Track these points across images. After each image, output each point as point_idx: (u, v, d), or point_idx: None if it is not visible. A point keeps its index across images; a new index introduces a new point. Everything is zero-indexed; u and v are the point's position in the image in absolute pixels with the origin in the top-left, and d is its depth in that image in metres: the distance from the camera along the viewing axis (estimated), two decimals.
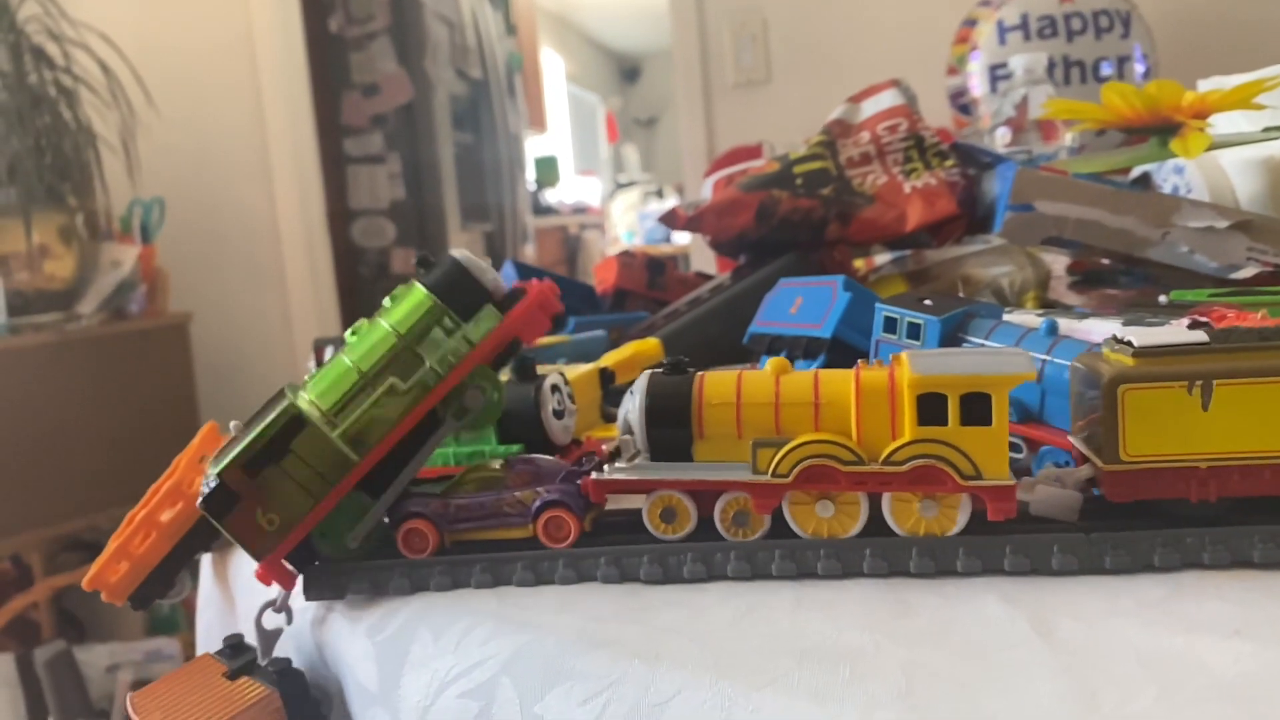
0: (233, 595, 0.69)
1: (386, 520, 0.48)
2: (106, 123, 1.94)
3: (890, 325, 0.58)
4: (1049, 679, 0.33)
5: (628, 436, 0.46)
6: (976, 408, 0.41)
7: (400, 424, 0.46)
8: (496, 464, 0.50)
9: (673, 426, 0.45)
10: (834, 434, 0.43)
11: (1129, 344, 0.41)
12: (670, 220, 0.91)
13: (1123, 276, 0.79)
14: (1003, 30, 1.40)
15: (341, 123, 2.96)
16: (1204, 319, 0.50)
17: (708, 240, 0.92)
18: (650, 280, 1.02)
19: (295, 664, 0.48)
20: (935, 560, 0.42)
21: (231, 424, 0.47)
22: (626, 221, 5.18)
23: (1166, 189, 0.85)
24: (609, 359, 0.71)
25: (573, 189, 5.62)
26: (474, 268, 0.47)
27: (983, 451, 0.41)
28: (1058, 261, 0.81)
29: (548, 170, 5.09)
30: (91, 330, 1.89)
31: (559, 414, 0.57)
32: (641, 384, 0.46)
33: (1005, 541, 0.41)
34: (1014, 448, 0.52)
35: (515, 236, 3.57)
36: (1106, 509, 0.42)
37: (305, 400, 0.46)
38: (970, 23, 1.48)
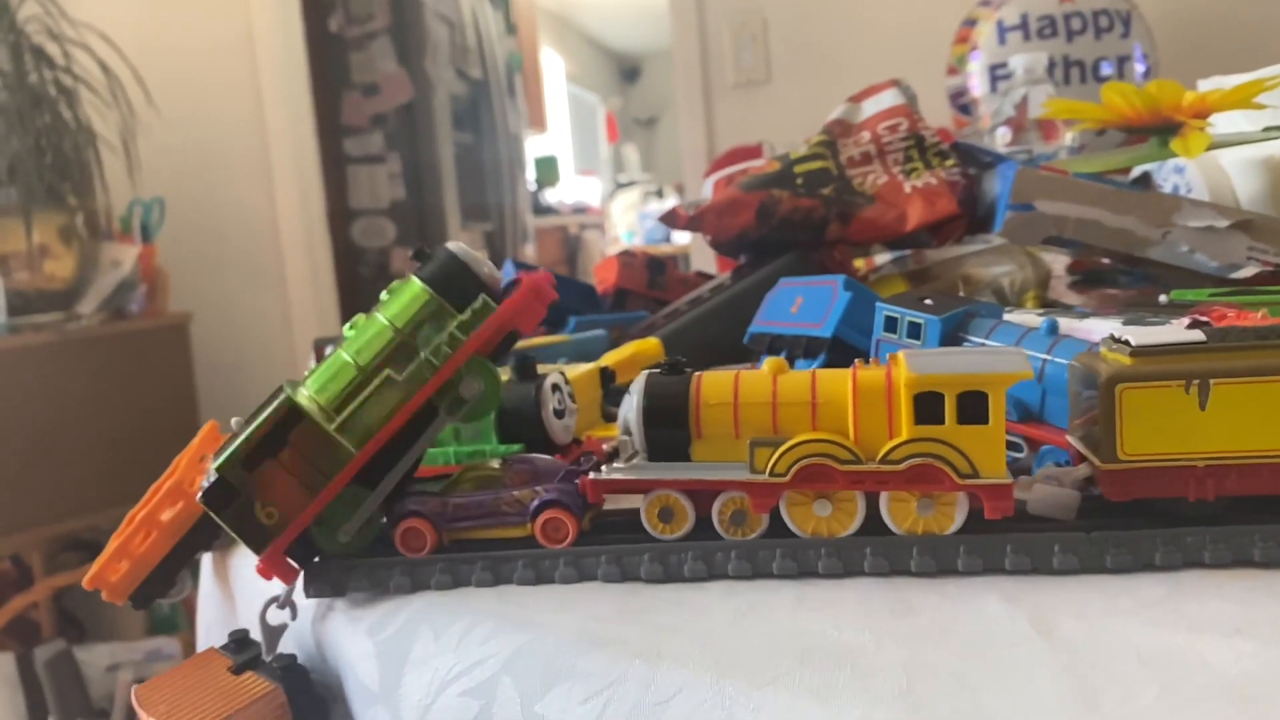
0: (233, 594, 0.69)
1: (385, 519, 0.48)
2: (106, 122, 1.94)
3: (891, 325, 0.58)
4: (1050, 677, 0.33)
5: (626, 437, 0.46)
6: (973, 406, 0.41)
7: (396, 416, 0.46)
8: (495, 463, 0.50)
9: (670, 426, 0.45)
10: (831, 433, 0.43)
11: (1126, 343, 0.41)
12: (671, 220, 0.91)
13: (1123, 276, 0.79)
14: (1003, 30, 1.40)
15: (341, 122, 2.96)
16: (1204, 318, 0.50)
17: (708, 240, 0.92)
18: (651, 280, 1.02)
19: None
20: (936, 559, 0.42)
21: (233, 421, 0.48)
22: (626, 221, 5.18)
23: (1167, 189, 0.85)
24: (609, 358, 0.71)
25: (573, 189, 5.62)
26: (470, 260, 0.47)
27: (980, 450, 0.41)
28: (1058, 261, 0.81)
29: (548, 170, 5.09)
30: (91, 330, 1.88)
31: (559, 413, 0.57)
32: (639, 384, 0.46)
33: (1006, 540, 0.41)
34: (1015, 447, 0.52)
35: (515, 236, 3.57)
36: (1104, 508, 0.42)
37: (305, 396, 0.46)
38: (970, 22, 1.48)
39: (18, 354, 1.77)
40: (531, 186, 4.47)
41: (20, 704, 1.76)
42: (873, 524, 0.43)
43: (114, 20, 2.03)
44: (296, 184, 2.40)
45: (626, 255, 1.03)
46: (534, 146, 4.75)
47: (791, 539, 0.44)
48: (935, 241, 0.85)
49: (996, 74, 1.40)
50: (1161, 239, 0.67)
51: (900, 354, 0.43)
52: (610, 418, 0.66)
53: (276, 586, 0.49)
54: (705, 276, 1.05)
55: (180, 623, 2.00)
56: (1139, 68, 1.39)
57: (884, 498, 0.43)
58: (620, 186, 5.79)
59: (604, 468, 0.46)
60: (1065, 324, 0.53)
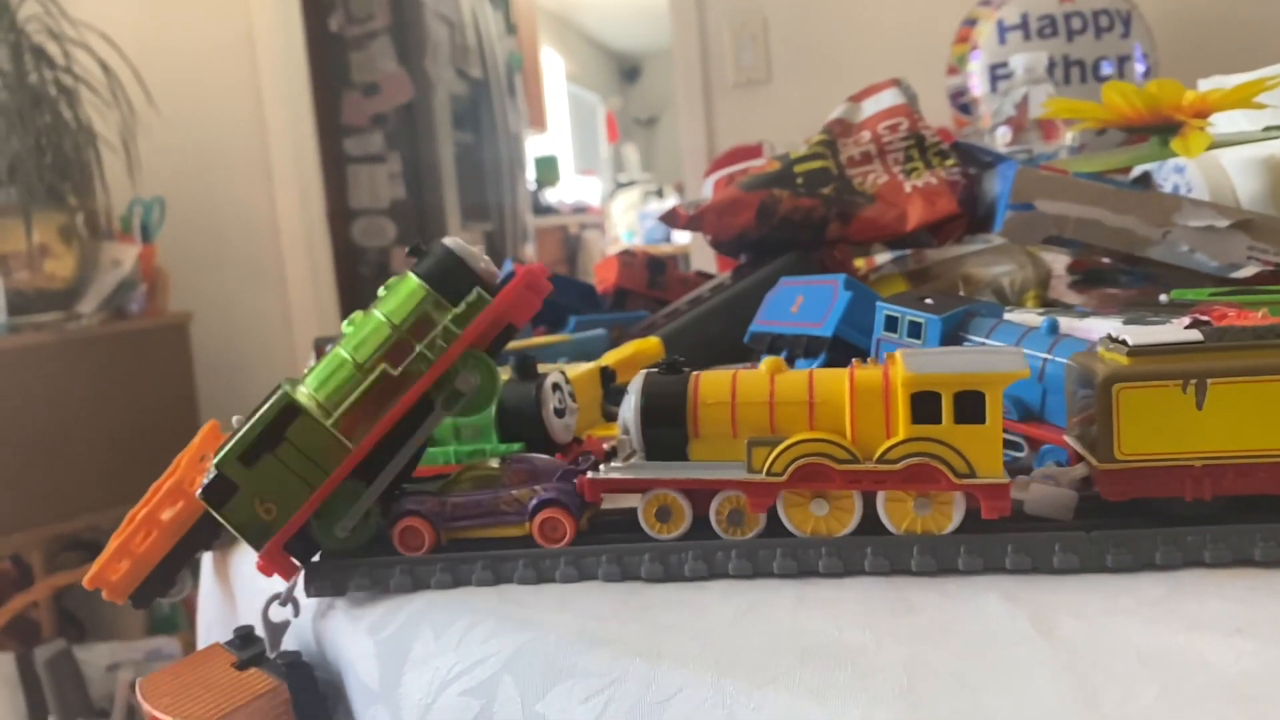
0: (234, 593, 0.69)
1: (384, 518, 0.48)
2: (107, 122, 1.94)
3: (891, 324, 0.58)
4: (1050, 677, 0.33)
5: (625, 436, 0.46)
6: (970, 406, 0.41)
7: (392, 410, 0.46)
8: (494, 462, 0.50)
9: (668, 426, 0.45)
10: (828, 433, 0.43)
11: (1124, 343, 0.41)
12: (671, 219, 0.91)
13: (1123, 276, 0.79)
14: (1003, 30, 1.40)
15: (342, 122, 2.96)
16: (1205, 318, 0.50)
17: (708, 239, 0.92)
18: (651, 279, 1.02)
19: None
20: (936, 558, 0.42)
21: (234, 420, 0.48)
22: (626, 221, 5.18)
23: (1167, 188, 0.85)
24: (610, 358, 0.71)
25: (573, 188, 5.62)
26: (466, 255, 0.47)
27: (977, 450, 0.41)
28: (1058, 261, 0.81)
29: (548, 170, 5.09)
30: (92, 330, 1.88)
31: (560, 412, 0.57)
32: (637, 384, 0.46)
33: (1006, 540, 0.41)
34: (1015, 446, 0.52)
35: (515, 236, 3.57)
36: (1101, 508, 0.42)
37: (304, 393, 0.47)
38: (970, 22, 1.48)
39: (18, 354, 1.77)
40: (531, 186, 4.47)
41: (20, 704, 1.76)
42: (869, 523, 0.43)
43: (114, 20, 2.03)
44: (297, 183, 2.40)
45: (627, 255, 1.03)
46: (534, 146, 4.75)
47: (791, 538, 0.44)
48: (935, 241, 0.85)
49: (997, 73, 1.40)
50: (1162, 239, 0.67)
51: (897, 353, 0.43)
52: (611, 417, 0.66)
53: (278, 584, 0.49)
54: (705, 276, 1.05)
55: (180, 622, 2.00)
56: (1139, 67, 1.39)
57: (881, 497, 0.43)
58: (620, 186, 5.79)
59: (602, 467, 0.46)
60: (1066, 323, 0.53)
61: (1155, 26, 1.42)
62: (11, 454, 1.73)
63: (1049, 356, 0.50)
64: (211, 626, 0.74)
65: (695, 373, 0.46)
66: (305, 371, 0.49)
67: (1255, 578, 0.39)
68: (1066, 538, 0.41)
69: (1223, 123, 0.81)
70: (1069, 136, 1.02)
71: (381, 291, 0.48)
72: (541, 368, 0.59)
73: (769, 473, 0.43)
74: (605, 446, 0.59)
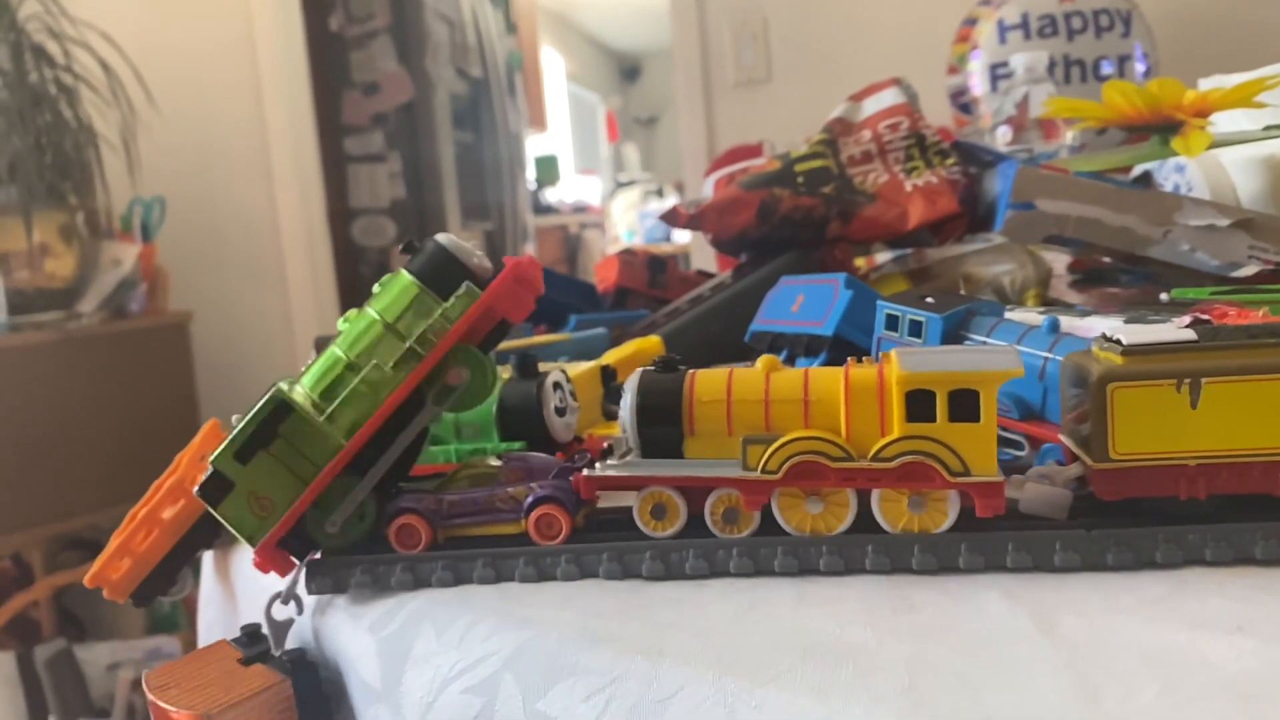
0: (235, 592, 0.69)
1: (380, 516, 0.48)
2: (107, 121, 1.94)
3: (892, 323, 0.58)
4: (1051, 675, 0.33)
5: (623, 434, 0.46)
6: (964, 404, 0.41)
7: (384, 406, 0.46)
8: (489, 460, 0.50)
9: (663, 424, 0.45)
10: (823, 431, 0.43)
11: (1118, 342, 0.42)
12: (672, 218, 0.91)
13: (1124, 275, 0.79)
14: (1003, 29, 1.40)
15: (342, 121, 2.96)
16: (1205, 317, 0.50)
17: (709, 238, 0.92)
18: (651, 278, 1.02)
19: None
20: (937, 556, 0.42)
21: (233, 419, 0.48)
22: (627, 220, 5.18)
23: (1168, 187, 0.85)
24: (610, 356, 0.71)
25: (573, 188, 5.62)
26: (458, 251, 0.47)
27: (971, 448, 0.41)
28: (1059, 260, 0.81)
29: (548, 169, 5.09)
30: (92, 329, 1.88)
31: (561, 411, 0.57)
32: (633, 382, 0.46)
33: (1007, 538, 0.41)
34: (1016, 445, 0.52)
35: (516, 235, 3.57)
36: (1096, 507, 0.42)
37: (300, 392, 0.47)
38: (970, 22, 1.48)
39: (18, 353, 1.77)
40: (532, 186, 4.47)
41: (20, 703, 1.76)
42: (864, 521, 0.43)
43: (114, 19, 2.03)
44: (297, 183, 2.40)
45: (627, 254, 1.03)
46: (534, 145, 4.75)
47: (792, 536, 0.44)
48: (936, 240, 0.86)
49: (997, 73, 1.40)
50: (1162, 238, 0.67)
51: (892, 352, 0.43)
52: (611, 416, 0.66)
53: (280, 583, 0.49)
54: (706, 275, 1.05)
55: (180, 621, 2.00)
56: (1139, 67, 1.38)
57: (875, 495, 0.43)
58: (620, 186, 5.78)
59: (597, 464, 0.46)
60: (1066, 322, 0.53)
61: (1155, 26, 1.42)
62: (11, 453, 1.73)
63: (1050, 355, 0.50)
64: (213, 625, 0.74)
65: (691, 371, 0.46)
66: (302, 370, 0.49)
67: (1256, 576, 0.39)
68: (1067, 536, 0.41)
69: (1223, 122, 0.81)
70: (1069, 136, 1.02)
71: (376, 289, 0.48)
72: (542, 366, 0.59)
73: (764, 471, 0.43)
74: (605, 445, 0.59)
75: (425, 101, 3.07)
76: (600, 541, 0.46)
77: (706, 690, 0.35)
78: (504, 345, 0.58)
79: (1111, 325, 0.49)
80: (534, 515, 0.46)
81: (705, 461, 0.45)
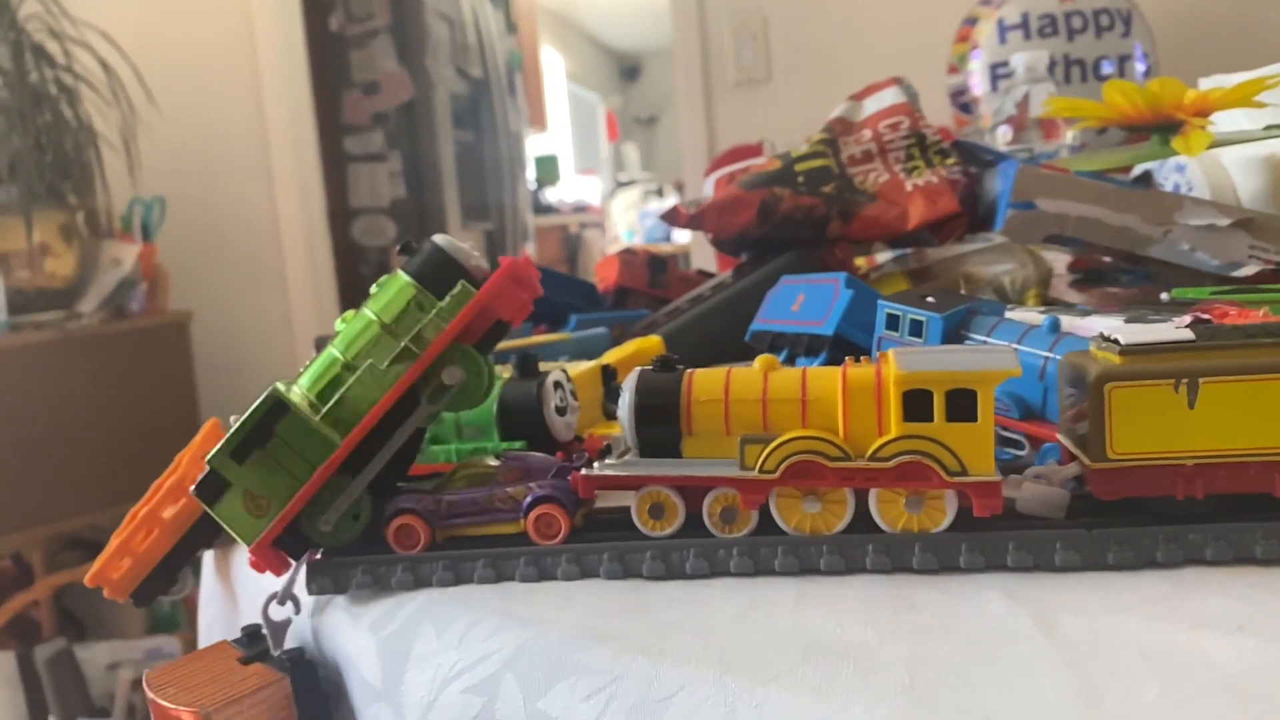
0: (235, 592, 0.69)
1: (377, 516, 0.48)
2: (107, 121, 1.94)
3: (893, 322, 0.58)
4: (1052, 674, 0.33)
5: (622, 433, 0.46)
6: (962, 404, 0.41)
7: (378, 405, 0.46)
8: (487, 460, 0.50)
9: (662, 423, 0.45)
10: (821, 430, 0.43)
11: (1116, 342, 0.42)
12: (672, 218, 0.91)
13: (1124, 274, 0.79)
14: (1003, 29, 1.40)
15: (342, 121, 2.96)
16: (1206, 316, 0.50)
17: (709, 238, 0.92)
18: (652, 278, 1.02)
19: None
20: (937, 556, 0.42)
21: (232, 418, 0.48)
22: (627, 220, 5.18)
23: (1168, 187, 0.85)
24: (611, 356, 0.71)
25: (573, 188, 5.62)
26: (455, 251, 0.47)
27: (968, 447, 0.41)
28: (1059, 259, 0.81)
29: (548, 169, 5.09)
30: (92, 328, 1.88)
31: (561, 410, 0.57)
32: (631, 382, 0.46)
33: (1008, 537, 0.41)
34: (1016, 444, 0.52)
35: (516, 235, 3.57)
36: (1094, 506, 0.42)
37: (297, 393, 0.47)
38: (971, 21, 1.48)
39: (18, 353, 1.77)
40: (532, 185, 4.47)
41: (20, 703, 1.76)
42: (861, 521, 0.43)
43: (115, 18, 2.03)
44: (297, 182, 2.40)
45: (628, 253, 1.03)
46: (534, 145, 4.75)
47: (793, 535, 0.44)
48: (936, 240, 0.85)
49: (997, 73, 1.40)
50: (1163, 237, 0.67)
51: (890, 352, 0.43)
52: (612, 415, 0.66)
53: (280, 582, 0.49)
54: (706, 275, 1.05)
55: (180, 621, 2.00)
56: (1140, 67, 1.39)
57: (873, 495, 0.43)
58: (620, 185, 5.79)
59: (595, 464, 0.46)
60: (1067, 322, 0.53)
61: (1156, 26, 1.42)
62: (11, 453, 1.73)
63: (1050, 355, 0.50)
64: (213, 625, 0.74)
65: (689, 370, 0.46)
66: (301, 370, 0.49)
67: (1257, 575, 0.39)
68: (1068, 536, 0.41)
69: (1223, 121, 0.81)
70: (1070, 135, 1.02)
71: (373, 289, 0.48)
72: (543, 366, 0.59)
73: (762, 470, 0.43)
74: (603, 444, 0.59)
75: (425, 101, 3.08)
76: (600, 541, 0.46)
77: (707, 689, 0.35)
78: (504, 344, 0.58)
79: (1111, 325, 0.49)
80: (533, 515, 0.46)
81: (703, 461, 0.45)
